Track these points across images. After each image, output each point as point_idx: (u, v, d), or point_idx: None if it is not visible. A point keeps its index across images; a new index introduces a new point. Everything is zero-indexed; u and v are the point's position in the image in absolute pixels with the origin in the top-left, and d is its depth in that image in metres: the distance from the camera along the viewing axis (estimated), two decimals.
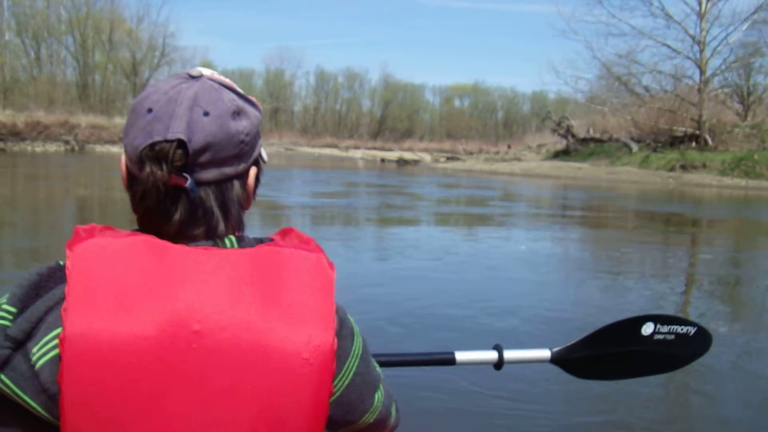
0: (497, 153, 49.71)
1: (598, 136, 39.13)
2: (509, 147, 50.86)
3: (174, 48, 64.26)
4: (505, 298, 6.92)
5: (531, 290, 7.34)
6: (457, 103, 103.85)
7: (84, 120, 49.41)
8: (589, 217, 16.21)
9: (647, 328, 1.74)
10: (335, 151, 67.72)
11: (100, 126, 49.86)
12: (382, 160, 52.88)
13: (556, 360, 1.75)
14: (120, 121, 51.43)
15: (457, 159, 52.81)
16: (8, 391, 0.87)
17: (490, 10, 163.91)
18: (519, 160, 44.04)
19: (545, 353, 1.74)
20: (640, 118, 35.39)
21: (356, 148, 72.23)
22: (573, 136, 40.52)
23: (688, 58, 34.39)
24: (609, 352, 1.76)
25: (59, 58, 62.34)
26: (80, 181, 21.50)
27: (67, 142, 45.90)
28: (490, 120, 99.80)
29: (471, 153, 54.70)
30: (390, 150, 68.79)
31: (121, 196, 17.11)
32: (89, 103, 56.67)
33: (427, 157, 55.67)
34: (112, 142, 49.01)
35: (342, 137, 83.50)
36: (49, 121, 46.76)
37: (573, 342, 1.76)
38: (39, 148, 44.46)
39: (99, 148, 47.60)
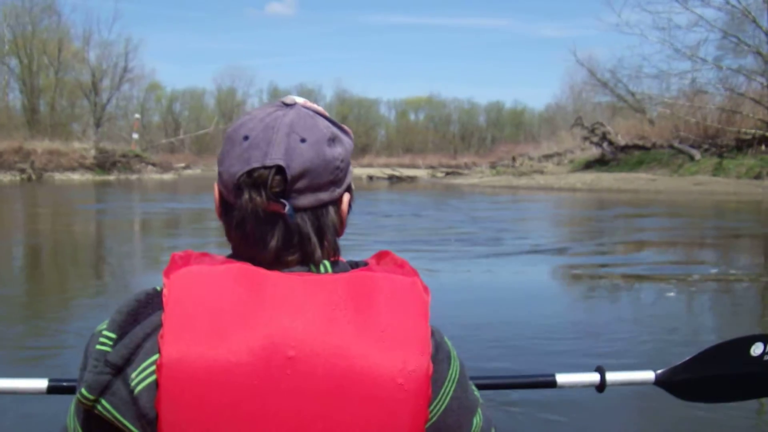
0: (507, 166, 46.05)
1: (640, 143, 35.76)
2: (514, 159, 47.15)
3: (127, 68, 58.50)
4: None
5: None
6: (412, 116, 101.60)
7: (40, 146, 44.27)
8: None
9: (756, 349, 1.62)
10: None
11: (58, 152, 45.06)
12: (370, 178, 48.27)
13: (661, 382, 1.67)
14: (79, 145, 47.05)
15: (459, 173, 49.16)
16: (109, 416, 0.89)
17: (438, 25, 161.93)
18: (541, 172, 40.49)
19: (649, 375, 1.67)
20: (703, 119, 32.20)
21: None
22: (610, 143, 37.07)
23: (758, 53, 31.40)
24: (716, 374, 1.65)
25: (4, 81, 56.11)
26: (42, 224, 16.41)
27: (23, 171, 40.84)
28: (448, 133, 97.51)
29: (471, 166, 51.14)
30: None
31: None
32: (39, 128, 51.00)
33: (422, 173, 51.56)
34: (72, 169, 44.25)
35: None
36: (1, 148, 41.58)
37: (677, 363, 1.67)
38: None
39: (59, 176, 42.73)
